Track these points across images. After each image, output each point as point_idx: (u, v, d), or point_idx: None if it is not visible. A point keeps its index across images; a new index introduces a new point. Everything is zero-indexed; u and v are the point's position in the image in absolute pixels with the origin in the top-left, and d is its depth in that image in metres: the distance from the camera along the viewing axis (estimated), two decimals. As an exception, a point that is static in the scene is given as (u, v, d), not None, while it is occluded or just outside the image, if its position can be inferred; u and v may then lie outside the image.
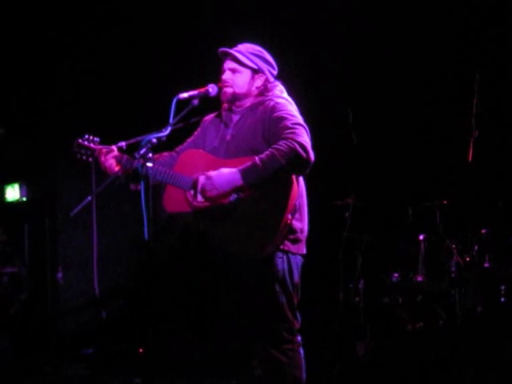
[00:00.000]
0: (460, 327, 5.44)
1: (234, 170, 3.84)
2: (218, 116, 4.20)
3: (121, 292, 7.20)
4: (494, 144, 6.06)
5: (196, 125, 4.28)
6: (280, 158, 3.76)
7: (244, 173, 3.82)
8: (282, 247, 3.91)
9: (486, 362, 4.94)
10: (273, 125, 3.92)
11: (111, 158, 4.10)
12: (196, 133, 4.28)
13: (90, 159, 4.18)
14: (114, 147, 4.15)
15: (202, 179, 3.92)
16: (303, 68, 6.26)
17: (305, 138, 3.84)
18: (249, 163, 3.82)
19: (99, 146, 4.17)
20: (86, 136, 4.20)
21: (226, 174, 3.85)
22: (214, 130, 4.17)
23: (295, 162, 3.79)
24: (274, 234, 3.83)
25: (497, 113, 6.09)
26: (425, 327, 5.68)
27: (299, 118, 3.95)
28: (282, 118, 3.90)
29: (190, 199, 3.97)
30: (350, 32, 6.55)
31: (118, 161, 4.09)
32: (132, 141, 4.09)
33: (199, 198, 3.95)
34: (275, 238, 3.84)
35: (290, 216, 3.85)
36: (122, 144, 4.14)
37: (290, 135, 3.81)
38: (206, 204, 3.92)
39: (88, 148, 4.18)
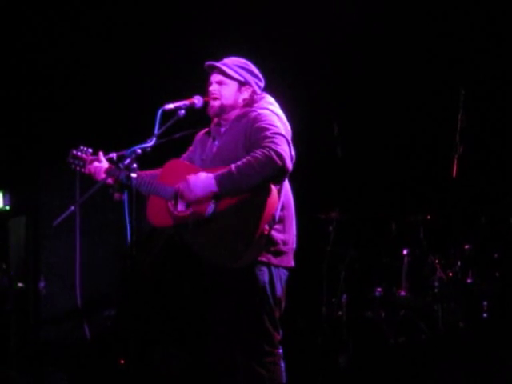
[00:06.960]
0: (442, 342, 5.44)
1: (210, 175, 3.85)
2: (208, 132, 4.23)
3: (104, 303, 7.15)
4: (479, 160, 6.09)
5: (183, 139, 4.30)
6: (255, 164, 3.76)
7: (219, 179, 3.82)
8: (261, 259, 3.90)
9: (467, 378, 4.94)
10: (253, 135, 3.92)
11: (97, 163, 4.16)
12: (190, 148, 4.32)
13: (83, 170, 4.21)
14: (100, 153, 4.20)
15: (181, 184, 3.93)
16: (288, 81, 6.27)
17: (283, 147, 3.83)
18: (224, 170, 3.84)
19: (90, 157, 4.22)
20: (81, 147, 4.25)
21: (202, 179, 3.85)
22: (204, 145, 4.20)
23: (270, 169, 3.77)
24: (248, 245, 3.81)
25: (481, 129, 6.12)
26: (407, 342, 5.68)
27: (280, 128, 3.93)
28: (263, 129, 3.90)
29: (171, 209, 3.98)
30: (336, 46, 6.58)
31: (106, 170, 4.12)
32: (123, 152, 4.09)
33: (180, 207, 3.95)
34: (250, 248, 3.82)
35: (266, 227, 3.83)
36: (113, 155, 4.16)
37: (268, 144, 3.81)
38: (187, 214, 3.93)
39: (81, 159, 4.22)
